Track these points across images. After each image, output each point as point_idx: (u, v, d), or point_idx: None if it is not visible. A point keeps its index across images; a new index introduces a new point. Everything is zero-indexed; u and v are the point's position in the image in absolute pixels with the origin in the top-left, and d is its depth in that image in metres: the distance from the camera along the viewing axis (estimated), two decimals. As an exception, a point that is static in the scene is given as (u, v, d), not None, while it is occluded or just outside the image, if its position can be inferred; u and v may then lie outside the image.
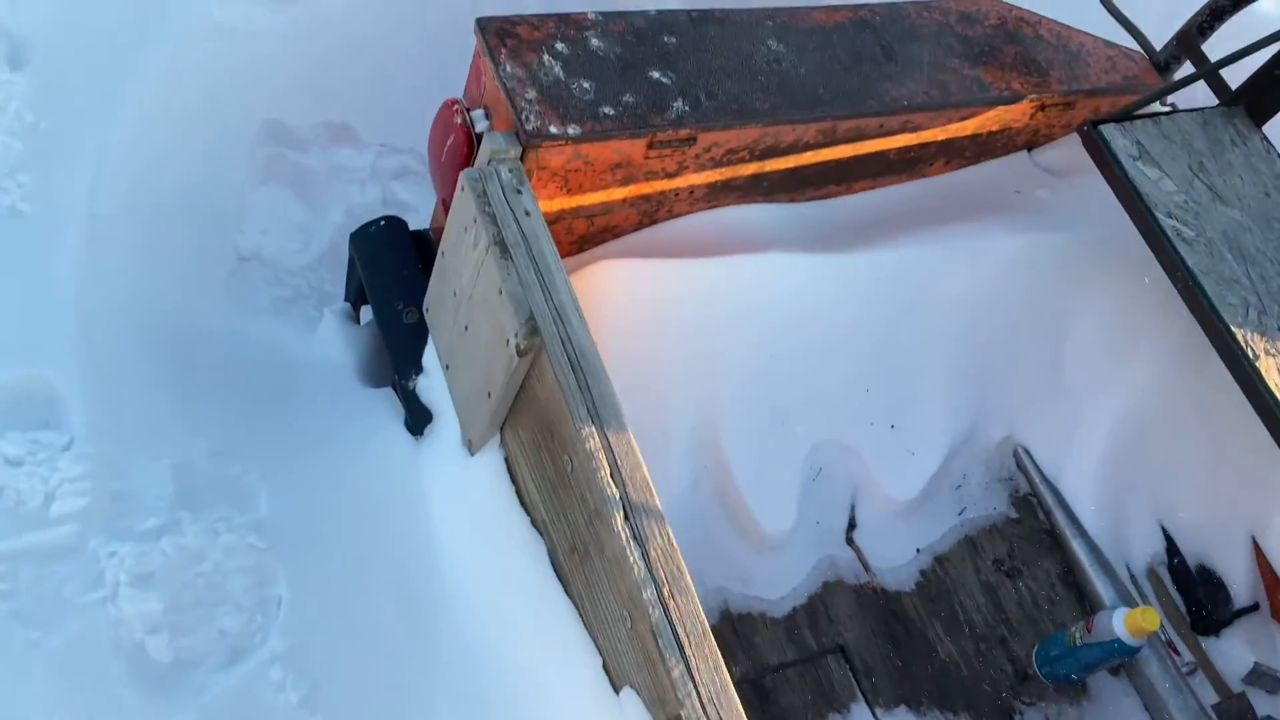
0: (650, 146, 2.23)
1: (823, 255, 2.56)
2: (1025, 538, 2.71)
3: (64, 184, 2.43)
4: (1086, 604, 2.62)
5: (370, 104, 3.23)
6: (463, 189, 2.10)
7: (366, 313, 2.83)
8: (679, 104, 2.24)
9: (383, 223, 2.65)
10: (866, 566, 2.55)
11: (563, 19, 2.27)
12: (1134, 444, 2.73)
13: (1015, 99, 2.63)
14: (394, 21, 3.19)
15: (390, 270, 2.59)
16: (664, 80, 2.27)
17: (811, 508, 2.53)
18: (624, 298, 2.39)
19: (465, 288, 2.15)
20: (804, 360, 2.57)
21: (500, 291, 1.98)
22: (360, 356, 2.73)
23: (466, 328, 2.19)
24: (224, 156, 2.91)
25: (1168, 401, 2.73)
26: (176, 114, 2.75)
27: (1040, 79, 2.68)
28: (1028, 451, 2.76)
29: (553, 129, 2.09)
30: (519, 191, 2.08)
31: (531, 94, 2.12)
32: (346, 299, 2.85)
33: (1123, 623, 2.29)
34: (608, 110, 2.16)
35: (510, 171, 2.10)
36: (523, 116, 2.08)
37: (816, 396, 2.58)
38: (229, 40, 2.85)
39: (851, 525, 2.59)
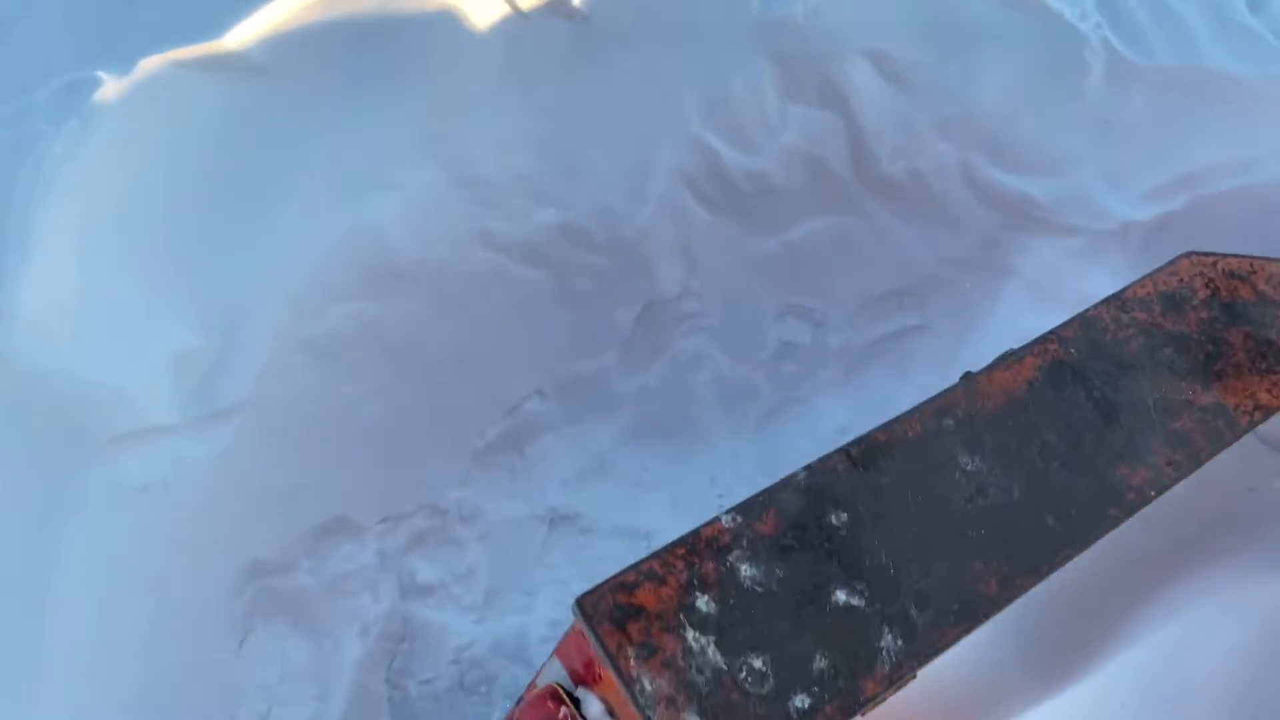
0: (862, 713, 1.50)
1: (1054, 696, 1.88)
2: None
3: None
4: None
5: (356, 479, 2.44)
6: None
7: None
8: (888, 638, 1.51)
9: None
10: None
11: (692, 549, 1.51)
12: None
13: (1268, 415, 1.92)
14: (361, 382, 2.39)
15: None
16: (856, 602, 1.53)
17: None
18: None
19: None
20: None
21: None
22: None
23: None
24: (192, 643, 2.12)
25: None
26: (114, 638, 1.94)
27: (1286, 369, 1.97)
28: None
29: (736, 775, 1.36)
30: None
31: (689, 716, 1.38)
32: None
33: None
34: (801, 701, 1.43)
35: None
36: (690, 773, 1.34)
37: None
38: (162, 500, 2.03)
39: None
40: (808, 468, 1.63)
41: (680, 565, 1.50)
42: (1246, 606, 2.04)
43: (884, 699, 1.49)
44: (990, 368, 1.84)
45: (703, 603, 1.47)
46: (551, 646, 2.63)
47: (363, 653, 2.37)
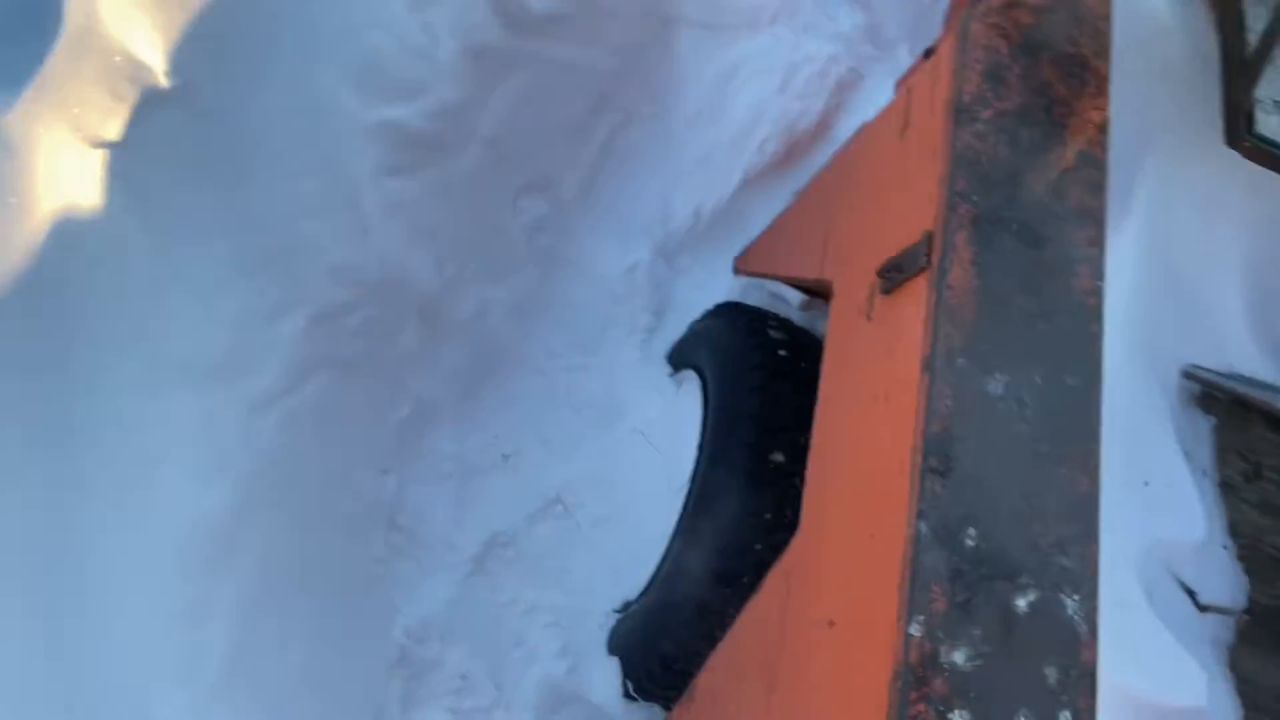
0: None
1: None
2: None
3: None
4: None
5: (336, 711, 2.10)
6: None
7: None
8: (1070, 604, 1.61)
9: None
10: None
11: (918, 681, 1.47)
12: None
13: (1106, 130, 2.02)
14: (272, 633, 1.97)
15: None
16: (1032, 598, 1.59)
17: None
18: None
19: None
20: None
21: None
22: None
23: None
24: None
25: None
26: None
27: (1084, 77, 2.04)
28: None
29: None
30: None
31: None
32: None
33: None
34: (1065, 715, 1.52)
35: None
36: None
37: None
38: None
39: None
40: (920, 515, 1.57)
41: (922, 706, 1.45)
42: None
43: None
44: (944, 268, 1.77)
45: (957, 715, 1.46)
46: (573, 677, 2.54)
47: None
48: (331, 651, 2.11)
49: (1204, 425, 2.61)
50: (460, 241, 2.53)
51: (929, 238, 1.82)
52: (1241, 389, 2.56)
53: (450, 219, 2.47)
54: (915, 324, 1.78)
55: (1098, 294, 1.83)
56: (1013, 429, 1.67)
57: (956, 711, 1.46)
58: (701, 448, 2.43)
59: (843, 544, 1.79)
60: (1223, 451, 2.54)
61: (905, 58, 2.99)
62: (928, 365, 1.69)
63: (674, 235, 3.00)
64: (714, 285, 2.97)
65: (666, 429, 2.76)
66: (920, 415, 1.65)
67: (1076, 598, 1.58)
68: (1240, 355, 2.62)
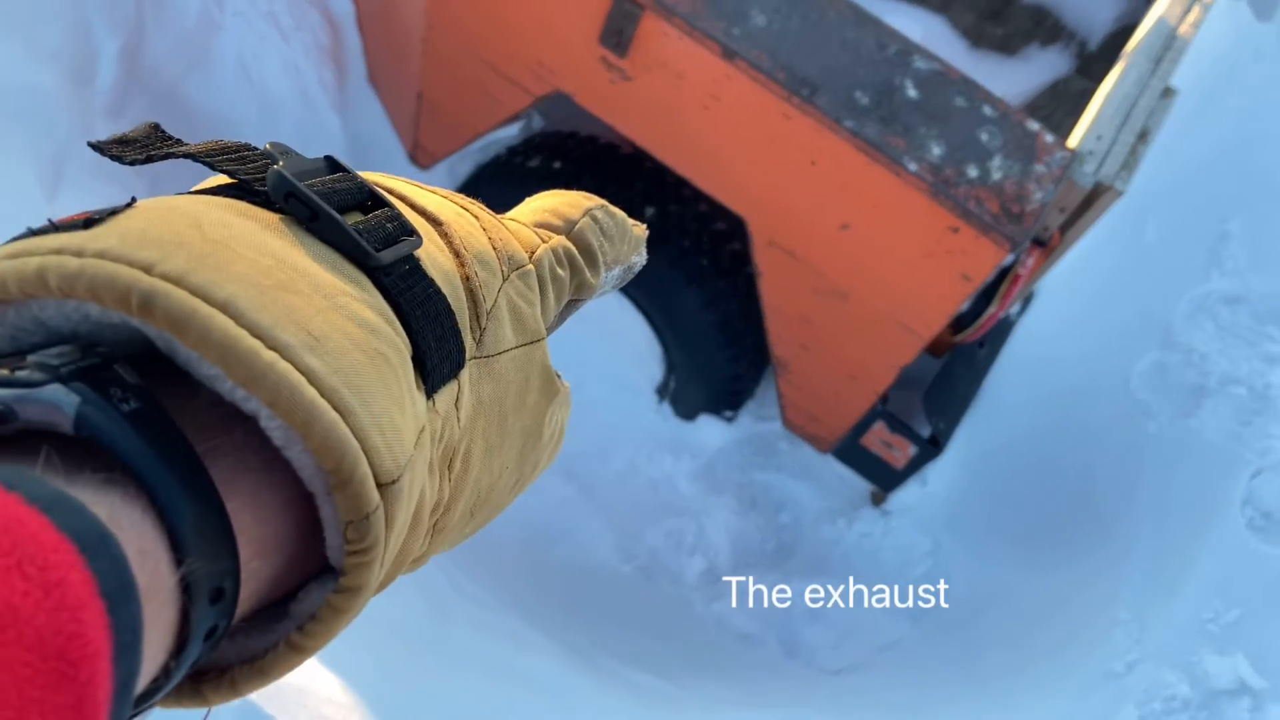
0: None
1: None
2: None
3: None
4: None
5: None
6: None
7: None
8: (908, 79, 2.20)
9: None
10: None
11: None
12: None
13: None
14: None
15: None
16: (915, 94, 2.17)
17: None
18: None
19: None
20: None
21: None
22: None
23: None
24: None
25: None
26: None
27: None
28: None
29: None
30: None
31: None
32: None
33: None
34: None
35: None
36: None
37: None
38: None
39: None
40: (837, 120, 2.07)
41: (960, 189, 2.05)
42: None
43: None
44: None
45: (970, 169, 2.07)
46: (697, 457, 3.02)
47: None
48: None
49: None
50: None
51: (623, -9, 2.15)
52: None
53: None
54: (677, 44, 2.17)
55: None
56: (794, 28, 2.15)
57: (969, 166, 2.06)
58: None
59: (798, 187, 2.27)
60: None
61: None
62: (726, 52, 2.12)
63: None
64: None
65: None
66: (761, 80, 2.10)
67: (916, 57, 2.16)
68: None
